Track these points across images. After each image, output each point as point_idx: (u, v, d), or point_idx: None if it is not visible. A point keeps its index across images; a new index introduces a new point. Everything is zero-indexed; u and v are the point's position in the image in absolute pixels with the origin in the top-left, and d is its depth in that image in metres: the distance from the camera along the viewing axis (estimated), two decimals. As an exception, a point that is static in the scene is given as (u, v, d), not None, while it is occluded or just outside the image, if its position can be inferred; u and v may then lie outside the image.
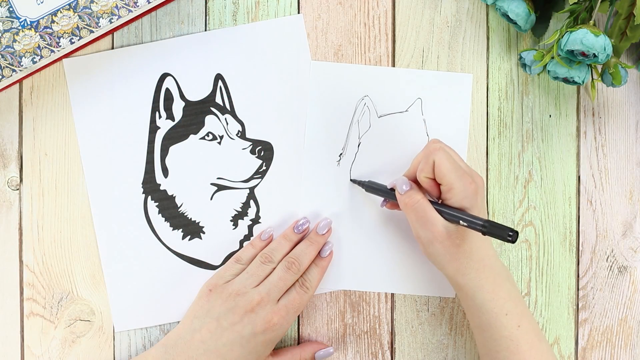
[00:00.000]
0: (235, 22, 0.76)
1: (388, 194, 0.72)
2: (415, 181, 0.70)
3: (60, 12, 0.71)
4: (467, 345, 0.76)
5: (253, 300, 0.69)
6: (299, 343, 0.76)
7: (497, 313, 0.67)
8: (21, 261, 0.75)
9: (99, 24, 0.71)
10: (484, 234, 0.63)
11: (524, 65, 0.75)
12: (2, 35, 0.71)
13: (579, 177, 0.77)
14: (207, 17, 0.76)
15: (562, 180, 0.77)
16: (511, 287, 0.68)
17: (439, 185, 0.68)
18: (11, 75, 0.71)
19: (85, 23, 0.71)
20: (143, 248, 0.75)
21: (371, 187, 0.73)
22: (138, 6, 0.71)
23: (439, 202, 0.69)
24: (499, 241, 0.75)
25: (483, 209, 0.68)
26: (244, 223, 0.76)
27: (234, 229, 0.76)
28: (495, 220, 0.76)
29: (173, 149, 0.75)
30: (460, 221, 0.65)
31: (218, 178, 0.75)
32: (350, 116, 0.76)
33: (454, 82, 0.76)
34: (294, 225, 0.74)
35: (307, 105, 0.76)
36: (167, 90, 0.75)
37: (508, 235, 0.61)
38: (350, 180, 0.76)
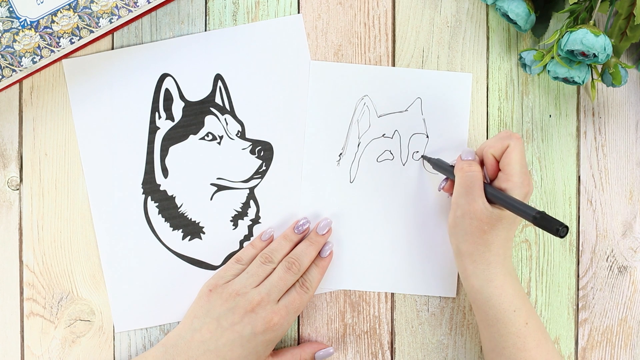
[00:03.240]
0: (235, 22, 0.76)
1: (450, 172, 0.72)
2: (480, 161, 0.71)
3: (60, 12, 0.71)
4: (467, 345, 0.76)
5: (253, 300, 0.69)
6: (299, 343, 0.76)
7: (505, 309, 0.67)
8: (21, 261, 0.75)
9: (99, 24, 0.71)
10: (534, 224, 0.62)
11: (524, 65, 0.75)
12: (2, 35, 0.71)
13: (579, 177, 0.77)
14: (207, 17, 0.76)
15: (562, 180, 0.77)
16: (518, 286, 0.69)
17: (498, 170, 0.69)
18: (11, 75, 0.71)
19: (85, 23, 0.71)
20: (143, 248, 0.75)
21: (438, 165, 0.74)
22: (138, 6, 0.71)
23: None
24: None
25: None
26: (244, 223, 0.76)
27: (234, 229, 0.76)
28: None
29: (173, 149, 0.75)
30: (512, 208, 0.65)
31: (218, 178, 0.75)
32: (350, 116, 0.76)
33: (453, 81, 0.76)
34: (294, 226, 0.74)
35: (307, 105, 0.76)
36: (167, 90, 0.75)
37: (557, 228, 0.60)
38: (422, 156, 0.76)
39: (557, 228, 0.60)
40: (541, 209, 0.76)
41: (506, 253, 0.68)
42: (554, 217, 0.77)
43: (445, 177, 0.74)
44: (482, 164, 0.71)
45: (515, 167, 0.67)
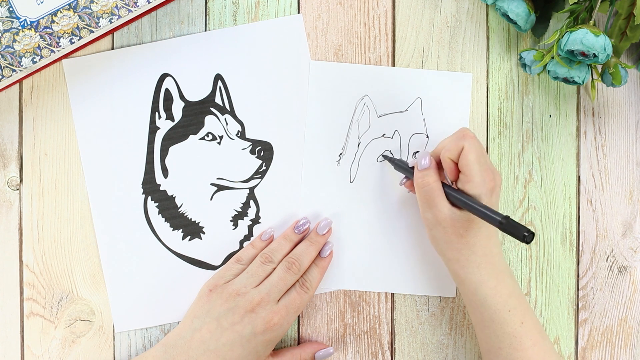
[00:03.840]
0: (235, 22, 0.76)
1: (410, 173, 0.72)
2: (438, 160, 0.70)
3: (60, 12, 0.71)
4: (467, 345, 0.76)
5: (253, 300, 0.69)
6: (299, 343, 0.76)
7: (500, 309, 0.67)
8: (21, 261, 0.75)
9: (99, 24, 0.71)
10: (500, 229, 0.62)
11: (524, 65, 0.75)
12: (2, 35, 0.71)
13: (579, 177, 0.77)
14: (207, 17, 0.76)
15: (562, 180, 0.77)
16: (514, 284, 0.68)
17: (459, 171, 0.68)
18: (11, 75, 0.71)
19: (85, 23, 0.71)
20: (143, 248, 0.75)
21: (399, 165, 0.73)
22: (138, 6, 0.71)
23: (455, 187, 0.69)
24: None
25: (495, 208, 0.68)
26: (244, 223, 0.76)
27: (234, 229, 0.76)
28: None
29: (173, 149, 0.75)
30: (477, 213, 0.64)
31: (218, 178, 0.75)
32: (350, 116, 0.76)
33: (453, 81, 0.76)
34: (294, 226, 0.74)
35: (307, 105, 0.76)
36: (167, 90, 0.75)
37: (524, 234, 0.60)
38: (382, 155, 0.75)
39: (523, 234, 0.60)
40: (540, 209, 0.77)
41: (493, 251, 0.68)
42: (550, 222, 0.77)
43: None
44: (440, 164, 0.70)
45: (474, 167, 0.66)
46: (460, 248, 0.67)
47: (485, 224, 0.67)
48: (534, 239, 0.77)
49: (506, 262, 0.70)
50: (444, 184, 0.69)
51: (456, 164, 0.68)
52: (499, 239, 0.69)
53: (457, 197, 0.67)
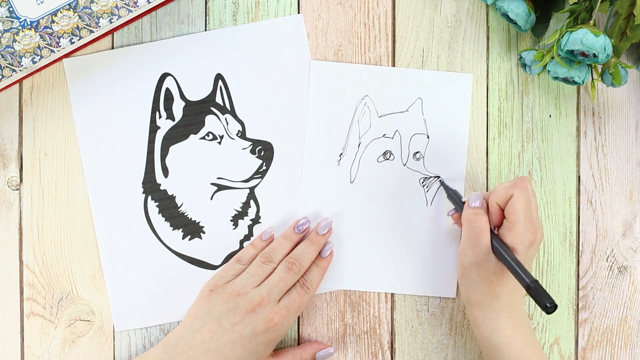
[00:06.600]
0: (235, 22, 0.76)
1: (461, 206, 0.72)
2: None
3: (60, 12, 0.71)
4: (467, 345, 0.76)
5: (254, 300, 0.69)
6: (299, 343, 0.76)
7: (514, 358, 0.67)
8: (21, 261, 0.75)
9: (99, 24, 0.71)
10: (527, 292, 0.63)
11: (524, 65, 0.75)
12: (2, 35, 0.71)
13: (579, 177, 0.77)
14: (207, 17, 0.76)
15: (562, 180, 0.77)
16: (530, 334, 0.68)
17: (503, 217, 0.68)
18: (11, 75, 0.71)
19: (85, 23, 0.71)
20: (143, 248, 0.75)
21: (452, 196, 0.73)
22: (138, 6, 0.71)
23: (496, 232, 0.69)
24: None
25: (529, 262, 0.68)
26: (244, 223, 0.76)
27: (234, 229, 0.76)
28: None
29: (173, 148, 0.75)
30: (511, 268, 0.65)
31: (218, 178, 0.75)
32: (351, 116, 0.76)
33: (454, 81, 0.77)
34: (294, 225, 0.74)
35: (307, 105, 0.76)
36: (167, 90, 0.75)
37: (547, 304, 0.61)
38: (439, 180, 0.76)
39: (547, 304, 0.61)
40: (540, 209, 0.77)
41: (515, 302, 0.68)
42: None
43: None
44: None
45: (519, 216, 0.67)
46: (487, 293, 0.67)
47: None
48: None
49: (526, 313, 0.70)
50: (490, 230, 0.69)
51: (502, 210, 0.69)
52: (523, 291, 0.69)
53: (498, 247, 0.67)
